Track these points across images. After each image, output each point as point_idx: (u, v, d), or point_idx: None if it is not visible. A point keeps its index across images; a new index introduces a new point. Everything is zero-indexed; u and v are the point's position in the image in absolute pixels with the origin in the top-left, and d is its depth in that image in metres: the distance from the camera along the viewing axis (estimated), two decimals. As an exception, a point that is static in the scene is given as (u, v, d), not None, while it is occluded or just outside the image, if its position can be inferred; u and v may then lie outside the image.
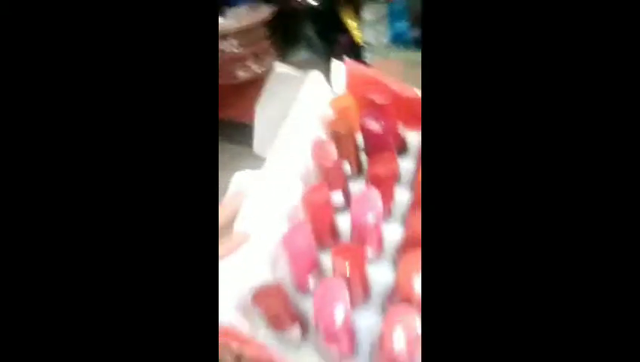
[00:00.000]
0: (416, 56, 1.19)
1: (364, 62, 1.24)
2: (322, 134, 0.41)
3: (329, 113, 0.41)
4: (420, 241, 0.25)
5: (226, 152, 1.33)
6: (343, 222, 0.36)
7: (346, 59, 0.42)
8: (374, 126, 0.38)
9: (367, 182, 0.36)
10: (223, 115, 1.34)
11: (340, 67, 0.42)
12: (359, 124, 0.39)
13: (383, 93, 0.40)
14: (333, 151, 0.36)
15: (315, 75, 0.42)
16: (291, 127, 0.39)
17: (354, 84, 0.42)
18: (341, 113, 0.39)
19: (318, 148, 0.36)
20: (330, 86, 0.43)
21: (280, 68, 0.45)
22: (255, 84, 1.21)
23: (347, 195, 0.38)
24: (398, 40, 1.24)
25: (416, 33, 1.25)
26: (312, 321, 0.31)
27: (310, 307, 0.31)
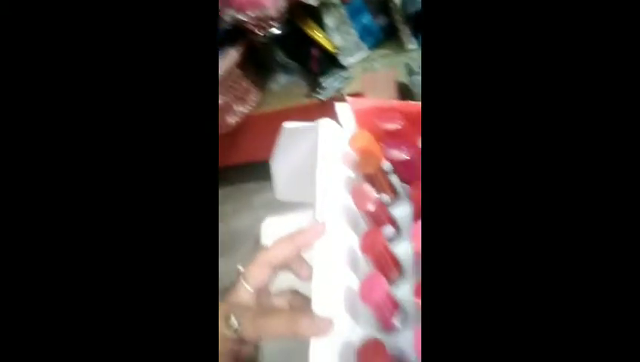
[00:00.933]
0: (399, 57, 1.21)
1: (343, 68, 1.25)
2: (352, 175, 0.42)
3: (351, 154, 0.42)
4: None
5: (245, 192, 1.36)
6: (401, 251, 0.38)
7: (348, 98, 0.43)
8: (399, 155, 0.39)
9: (416, 212, 0.38)
10: (227, 161, 1.35)
11: (344, 107, 0.44)
12: (383, 156, 0.41)
13: (392, 118, 0.42)
14: (372, 193, 0.37)
15: (326, 122, 0.43)
16: (322, 175, 0.40)
17: (363, 118, 0.44)
18: (363, 152, 0.41)
19: (358, 195, 0.38)
20: (342, 127, 0.44)
21: (288, 125, 0.47)
22: (249, 124, 1.23)
23: (394, 224, 0.40)
24: (366, 34, 1.26)
25: (380, 21, 1.26)
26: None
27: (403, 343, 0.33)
